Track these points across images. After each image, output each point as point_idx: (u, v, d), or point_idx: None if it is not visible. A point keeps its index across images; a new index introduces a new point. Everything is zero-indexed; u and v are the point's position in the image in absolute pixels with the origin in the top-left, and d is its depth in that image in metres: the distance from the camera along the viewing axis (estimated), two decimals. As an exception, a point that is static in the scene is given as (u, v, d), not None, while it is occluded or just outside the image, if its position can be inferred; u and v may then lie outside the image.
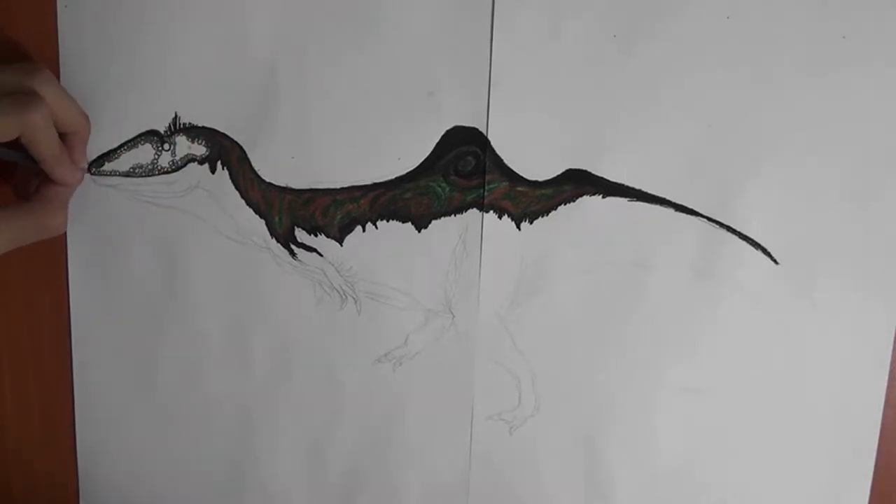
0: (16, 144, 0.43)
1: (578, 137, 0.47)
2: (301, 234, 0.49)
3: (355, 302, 0.49)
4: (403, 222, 0.48)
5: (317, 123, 0.48)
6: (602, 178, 0.47)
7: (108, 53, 0.48)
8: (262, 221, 0.49)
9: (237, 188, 0.49)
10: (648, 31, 0.46)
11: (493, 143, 0.47)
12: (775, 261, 0.47)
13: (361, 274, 0.49)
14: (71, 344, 0.51)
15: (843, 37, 0.45)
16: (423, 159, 0.48)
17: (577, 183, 0.47)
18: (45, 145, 0.44)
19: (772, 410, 0.49)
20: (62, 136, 0.46)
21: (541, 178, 0.47)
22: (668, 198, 0.47)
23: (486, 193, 0.48)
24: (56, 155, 0.45)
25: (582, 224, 0.48)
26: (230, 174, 0.49)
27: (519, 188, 0.47)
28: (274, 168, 0.48)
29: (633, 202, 0.47)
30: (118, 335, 0.51)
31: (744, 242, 0.47)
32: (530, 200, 0.48)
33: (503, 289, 0.49)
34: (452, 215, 0.48)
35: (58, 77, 0.48)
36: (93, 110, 0.48)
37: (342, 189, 0.48)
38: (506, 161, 0.47)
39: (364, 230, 0.49)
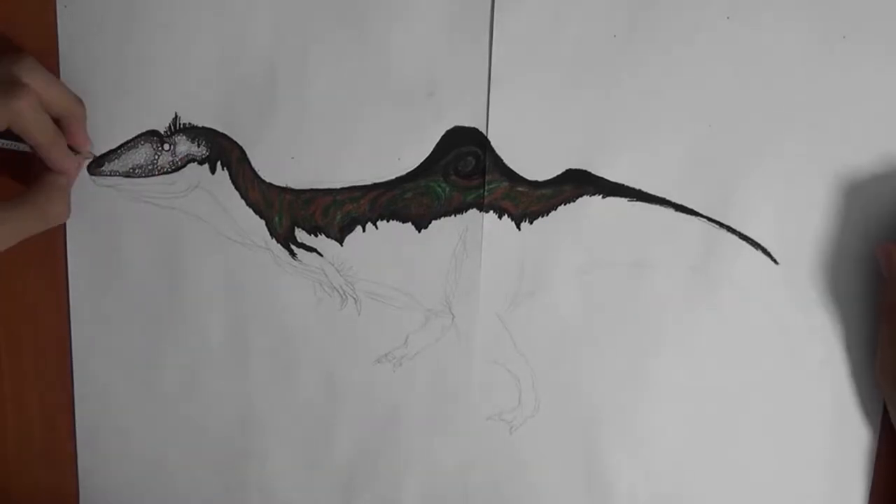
0: (9, 134, 0.43)
1: (578, 137, 0.47)
2: (301, 234, 0.49)
3: (355, 302, 0.49)
4: (403, 222, 0.48)
5: (317, 123, 0.48)
6: (602, 178, 0.47)
7: (108, 53, 0.48)
8: (262, 221, 0.49)
9: (237, 188, 0.49)
10: (648, 31, 0.46)
11: (493, 143, 0.47)
12: (775, 261, 0.47)
13: (361, 274, 0.49)
14: (71, 344, 0.51)
15: (844, 37, 0.45)
16: (423, 159, 0.48)
17: (577, 183, 0.47)
18: (36, 132, 0.44)
19: (772, 410, 0.49)
20: (58, 122, 0.45)
21: (541, 178, 0.47)
22: (668, 198, 0.47)
23: (486, 193, 0.48)
24: (49, 141, 0.45)
25: (582, 224, 0.48)
26: (230, 174, 0.49)
27: (519, 188, 0.47)
28: (274, 168, 0.48)
29: (633, 202, 0.47)
30: (118, 335, 0.51)
31: (744, 242, 0.47)
32: (530, 200, 0.48)
33: (503, 289, 0.49)
34: (452, 215, 0.48)
35: (58, 77, 0.48)
36: (93, 110, 0.48)
37: (342, 189, 0.48)
38: (506, 161, 0.47)
39: (364, 230, 0.49)
